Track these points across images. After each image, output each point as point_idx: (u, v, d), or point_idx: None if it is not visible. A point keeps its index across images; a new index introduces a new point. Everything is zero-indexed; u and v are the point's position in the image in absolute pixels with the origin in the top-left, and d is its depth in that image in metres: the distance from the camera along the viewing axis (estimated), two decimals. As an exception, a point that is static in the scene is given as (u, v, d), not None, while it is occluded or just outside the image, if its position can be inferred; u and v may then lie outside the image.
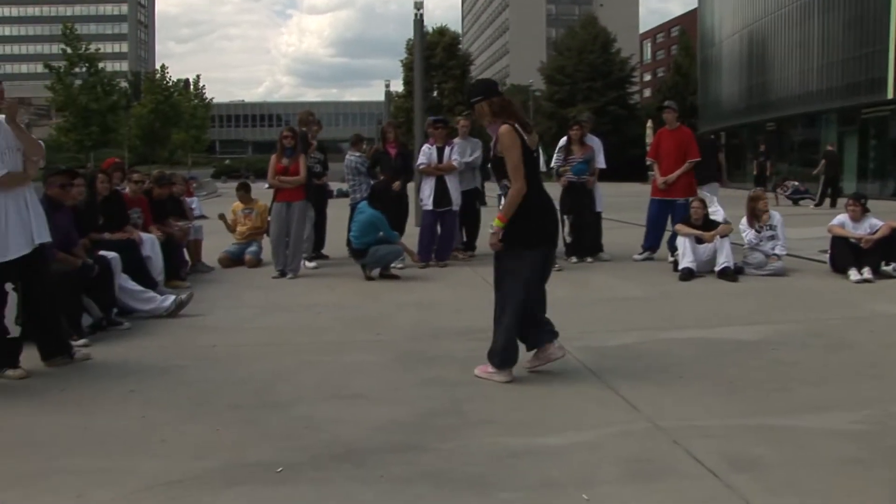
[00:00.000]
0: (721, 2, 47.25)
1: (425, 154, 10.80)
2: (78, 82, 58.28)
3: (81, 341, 6.01)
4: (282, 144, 9.90)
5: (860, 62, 31.99)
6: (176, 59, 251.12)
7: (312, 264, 10.60)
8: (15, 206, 5.26)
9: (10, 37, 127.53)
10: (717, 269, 9.26)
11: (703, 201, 9.93)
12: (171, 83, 75.21)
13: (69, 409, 4.68)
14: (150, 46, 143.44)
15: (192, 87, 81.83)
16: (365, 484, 3.49)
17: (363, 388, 5.01)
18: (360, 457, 3.80)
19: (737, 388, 4.89)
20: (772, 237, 9.58)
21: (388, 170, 11.13)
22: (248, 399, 4.80)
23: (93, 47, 60.17)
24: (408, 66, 61.69)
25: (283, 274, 9.83)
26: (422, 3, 18.64)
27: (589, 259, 10.78)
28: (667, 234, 10.75)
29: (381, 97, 53.06)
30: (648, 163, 12.50)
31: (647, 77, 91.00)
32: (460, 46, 75.95)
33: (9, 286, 5.37)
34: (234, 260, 11.09)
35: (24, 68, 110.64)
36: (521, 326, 5.20)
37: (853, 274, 8.81)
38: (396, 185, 10.88)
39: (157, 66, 79.55)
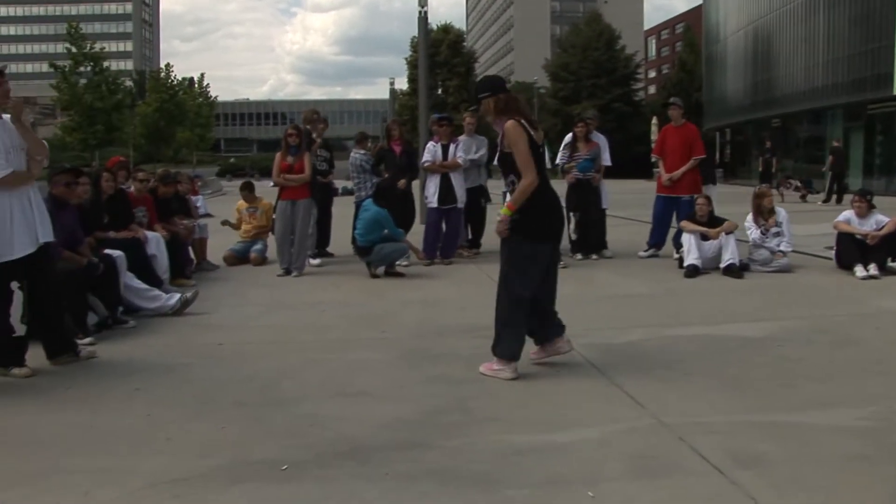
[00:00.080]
0: (726, -2, 47.18)
1: (430, 151, 10.80)
2: (83, 81, 58.35)
3: (87, 340, 6.02)
4: (286, 142, 9.91)
5: (866, 58, 31.86)
6: (181, 58, 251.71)
7: (316, 261, 10.61)
8: (20, 205, 5.27)
9: (15, 36, 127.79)
10: (722, 265, 9.25)
11: (708, 198, 9.92)
12: (175, 82, 75.23)
13: (75, 407, 4.69)
14: (155, 45, 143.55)
15: (196, 85, 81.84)
16: (370, 481, 3.49)
17: (368, 385, 5.01)
18: (365, 454, 3.80)
19: (742, 384, 4.88)
20: (777, 234, 9.56)
21: (392, 167, 11.13)
22: (253, 397, 4.81)
23: (97, 46, 60.21)
24: (412, 64, 61.57)
25: (288, 272, 9.84)
26: (426, 1, 18.60)
27: (594, 256, 10.78)
28: (672, 231, 10.73)
29: (385, 95, 53.22)
30: (653, 159, 12.49)
31: (652, 74, 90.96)
32: (465, 44, 75.86)
33: (14, 285, 5.39)
34: (239, 258, 11.10)
35: (28, 67, 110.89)
36: (528, 321, 5.23)
37: (859, 270, 8.79)
38: (402, 183, 10.88)
39: (162, 65, 79.44)
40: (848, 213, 9.52)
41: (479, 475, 3.54)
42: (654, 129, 39.76)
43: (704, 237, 9.44)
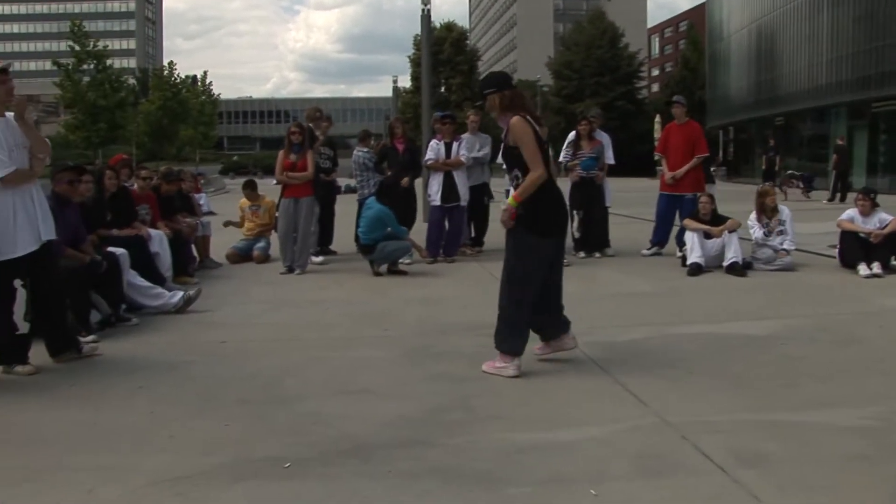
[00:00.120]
0: (729, -4, 47.12)
1: (433, 149, 10.80)
2: (86, 79, 58.40)
3: (90, 338, 6.02)
4: (289, 140, 9.92)
5: (870, 56, 31.80)
6: (184, 56, 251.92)
7: (318, 259, 10.61)
8: (22, 203, 5.28)
9: (18, 34, 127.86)
10: (725, 264, 9.24)
11: (711, 196, 9.91)
12: (179, 80, 75.26)
13: (78, 405, 4.69)
14: (158, 43, 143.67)
15: (199, 83, 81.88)
16: (372, 479, 3.50)
17: (371, 383, 5.02)
18: (368, 452, 3.80)
19: (745, 383, 4.88)
20: (780, 232, 9.55)
21: (395, 165, 11.13)
22: (255, 395, 4.81)
23: (101, 44, 60.29)
24: (415, 62, 61.55)
25: (290, 270, 9.85)
26: (429, -1, 18.63)
27: (597, 254, 10.78)
28: (675, 230, 10.73)
29: (388, 93, 53.31)
30: (657, 158, 12.47)
31: (655, 72, 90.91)
32: (468, 42, 75.74)
33: (17, 283, 5.39)
34: (242, 256, 11.11)
35: (32, 65, 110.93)
36: (530, 317, 5.26)
37: (862, 269, 8.78)
38: (405, 181, 10.88)
39: (165, 63, 79.55)
40: (851, 212, 9.51)
41: (482, 473, 3.54)
42: (657, 127, 39.71)
43: (707, 235, 9.43)
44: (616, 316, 7.06)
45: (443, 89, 67.03)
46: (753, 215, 9.77)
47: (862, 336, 6.10)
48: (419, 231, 10.96)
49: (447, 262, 10.55)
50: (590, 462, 3.64)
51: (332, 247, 11.66)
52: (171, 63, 76.01)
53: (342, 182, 13.53)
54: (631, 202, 17.74)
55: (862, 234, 9.11)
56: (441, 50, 65.51)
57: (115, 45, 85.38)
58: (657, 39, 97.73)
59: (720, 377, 5.01)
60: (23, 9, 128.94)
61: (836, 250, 9.56)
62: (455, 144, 10.71)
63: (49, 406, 4.69)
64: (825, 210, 18.27)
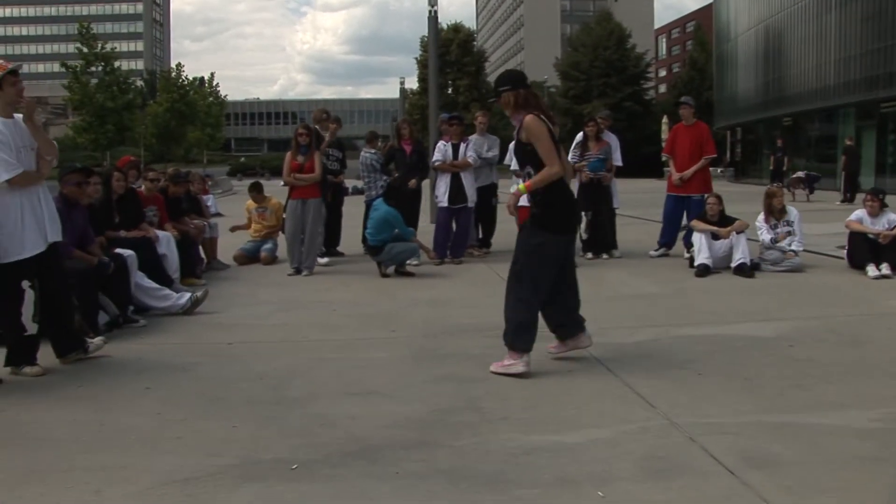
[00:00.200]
0: (737, -4, 47.06)
1: (440, 151, 10.79)
2: (94, 81, 58.63)
3: (98, 339, 6.03)
4: (297, 142, 9.93)
5: (878, 56, 31.72)
6: (191, 58, 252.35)
7: (324, 260, 10.60)
8: (30, 204, 5.29)
9: (27, 36, 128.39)
10: (733, 265, 9.22)
11: (718, 197, 9.88)
12: (186, 82, 75.47)
13: (85, 406, 4.70)
14: (166, 45, 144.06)
15: (206, 85, 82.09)
16: (380, 481, 3.49)
17: (378, 384, 5.02)
18: (375, 453, 3.80)
19: (753, 384, 4.86)
20: (789, 233, 9.52)
21: (402, 167, 11.14)
22: (263, 396, 4.81)
23: (108, 46, 60.55)
24: (423, 64, 61.66)
25: (298, 271, 9.85)
26: (436, 0, 18.61)
27: (604, 256, 10.77)
28: (683, 231, 10.71)
29: (396, 94, 53.19)
30: (664, 158, 12.46)
31: (663, 73, 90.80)
32: (475, 43, 75.88)
33: (25, 284, 5.40)
34: (249, 257, 11.12)
35: (40, 68, 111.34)
36: (537, 314, 5.29)
37: (871, 270, 8.75)
38: (412, 182, 10.88)
39: (173, 65, 79.78)
40: (860, 213, 9.48)
41: (489, 475, 3.53)
42: (664, 128, 39.67)
43: (715, 236, 9.41)
44: (624, 317, 7.04)
45: (450, 91, 67.15)
46: (761, 217, 9.74)
47: (870, 337, 6.07)
48: (426, 232, 10.96)
49: (454, 263, 10.55)
50: (597, 464, 3.64)
51: (340, 248, 11.66)
52: (178, 65, 76.30)
53: (349, 183, 13.54)
54: (638, 203, 17.72)
55: (870, 235, 9.08)
56: (448, 51, 65.58)
57: (122, 47, 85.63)
58: (664, 40, 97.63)
59: (728, 379, 4.99)
60: (31, 11, 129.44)
61: (845, 251, 9.54)
62: (462, 146, 10.71)
63: (56, 407, 4.69)
64: (833, 211, 18.22)
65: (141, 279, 7.31)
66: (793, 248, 9.41)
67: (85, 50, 58.90)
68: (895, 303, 7.49)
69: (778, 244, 9.44)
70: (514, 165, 10.39)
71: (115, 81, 59.82)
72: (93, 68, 59.15)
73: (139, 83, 74.43)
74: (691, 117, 10.87)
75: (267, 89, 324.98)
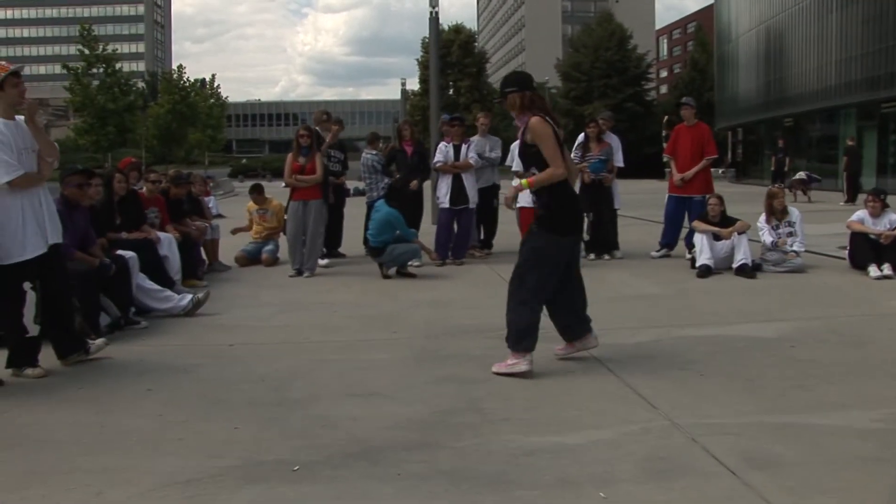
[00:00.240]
0: (738, -3, 47.05)
1: (442, 152, 10.79)
2: (95, 83, 58.69)
3: (99, 340, 6.03)
4: (298, 143, 9.93)
5: (879, 56, 31.71)
6: (192, 59, 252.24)
7: (324, 262, 10.59)
8: (31, 206, 5.29)
9: (28, 38, 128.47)
10: (734, 265, 9.22)
11: (720, 198, 9.87)
12: (187, 83, 75.54)
13: (86, 407, 4.70)
14: (167, 46, 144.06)
15: (207, 86, 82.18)
16: (381, 482, 3.49)
17: (380, 386, 5.01)
18: (377, 455, 3.80)
19: (754, 385, 4.86)
20: (790, 234, 9.52)
21: (404, 168, 11.14)
22: (264, 397, 4.81)
23: (110, 48, 60.64)
24: (424, 65, 61.65)
25: (299, 273, 9.85)
26: (437, 2, 18.58)
27: (606, 256, 10.76)
28: (684, 231, 10.70)
29: (397, 95, 53.24)
30: (665, 159, 12.45)
31: (664, 73, 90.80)
32: (476, 44, 75.86)
33: (27, 285, 5.41)
34: (250, 259, 11.12)
35: (42, 69, 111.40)
36: (539, 314, 5.29)
37: (872, 270, 8.74)
38: (414, 184, 10.88)
39: (174, 66, 79.91)
40: (861, 213, 9.47)
41: (491, 476, 3.53)
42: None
43: (717, 237, 9.41)
44: (625, 318, 7.04)
45: (451, 92, 67.14)
46: (763, 217, 9.74)
47: (872, 338, 6.07)
48: (427, 233, 10.96)
49: (456, 264, 10.55)
50: (599, 465, 3.63)
51: (341, 249, 11.67)
52: (180, 66, 76.35)
53: (351, 185, 13.54)
54: (640, 204, 17.72)
55: (872, 236, 9.08)
56: (449, 52, 65.61)
57: (124, 48, 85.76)
58: (665, 41, 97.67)
59: (730, 379, 4.99)
60: (33, 13, 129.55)
61: (846, 252, 9.53)
62: (464, 147, 10.71)
63: (57, 408, 4.70)
64: (835, 211, 18.21)
65: (142, 281, 7.31)
66: (794, 248, 9.40)
67: (86, 52, 59.00)
68: (897, 303, 7.49)
69: (779, 245, 9.42)
70: (516, 166, 10.42)
71: (117, 83, 59.93)
72: (94, 70, 59.26)
73: (140, 85, 74.54)
74: (692, 118, 10.87)
75: (268, 91, 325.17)
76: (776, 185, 12.23)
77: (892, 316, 6.91)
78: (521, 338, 5.18)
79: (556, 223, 5.24)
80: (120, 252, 7.10)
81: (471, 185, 10.65)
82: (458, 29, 71.11)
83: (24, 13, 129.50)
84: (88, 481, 3.53)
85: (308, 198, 9.87)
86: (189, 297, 7.51)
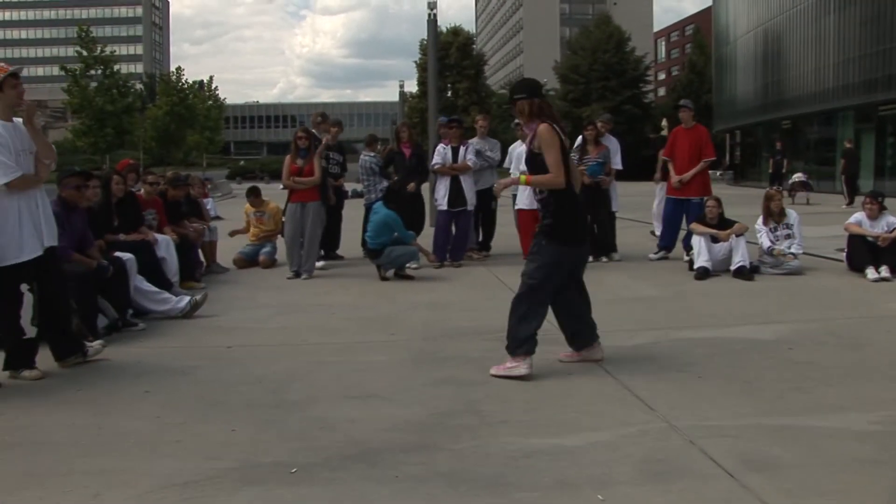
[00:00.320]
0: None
1: (440, 154, 10.80)
2: (93, 84, 58.67)
3: (97, 342, 6.02)
4: (296, 145, 9.94)
5: (877, 59, 31.73)
6: (190, 61, 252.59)
7: (321, 264, 10.58)
8: (28, 208, 5.28)
9: (26, 40, 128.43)
10: (732, 268, 9.22)
11: (718, 200, 9.88)
12: (186, 85, 75.52)
13: (84, 409, 4.69)
14: (165, 48, 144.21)
15: (206, 88, 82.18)
16: (379, 484, 3.49)
17: (377, 388, 5.01)
18: (375, 457, 3.80)
19: (752, 387, 4.86)
20: (788, 236, 9.53)
21: (402, 170, 11.14)
22: (262, 399, 4.81)
23: (108, 49, 60.60)
24: (422, 67, 61.67)
25: (297, 274, 9.85)
26: (435, 4, 18.63)
27: (604, 259, 10.76)
28: (682, 234, 10.71)
29: (395, 98, 53.21)
30: (663, 161, 12.45)
31: (662, 76, 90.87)
32: (474, 46, 75.83)
33: (24, 287, 5.40)
34: (248, 261, 11.11)
35: (40, 71, 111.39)
36: (541, 320, 5.30)
37: (870, 272, 8.75)
38: (411, 186, 10.88)
39: (172, 68, 79.93)
40: (859, 215, 9.48)
41: (489, 478, 3.53)
42: (664, 131, 39.72)
43: (715, 239, 9.41)
44: (623, 320, 7.03)
45: (449, 94, 67.14)
46: (761, 220, 9.74)
47: (870, 340, 6.07)
48: (426, 236, 10.96)
49: (454, 266, 10.54)
50: (597, 467, 3.63)
51: (339, 251, 11.66)
52: (178, 68, 76.32)
53: (349, 187, 13.54)
54: (637, 206, 17.70)
55: (870, 238, 9.09)
56: (447, 54, 65.56)
57: (122, 50, 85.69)
58: (663, 43, 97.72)
59: (728, 381, 4.99)
60: (31, 14, 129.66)
61: (844, 254, 9.54)
62: (462, 149, 10.71)
63: (55, 410, 4.69)
64: (833, 213, 18.23)
65: (140, 283, 7.31)
66: (792, 250, 9.41)
67: (84, 53, 58.95)
68: (894, 305, 7.49)
69: (775, 254, 9.39)
70: (514, 169, 10.44)
71: (115, 85, 59.88)
72: (92, 72, 59.21)
73: (138, 86, 74.55)
74: (690, 120, 10.87)
75: (266, 93, 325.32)
76: (774, 188, 12.23)
77: (890, 318, 6.92)
78: (521, 344, 5.18)
79: (563, 232, 5.24)
80: (118, 254, 7.09)
81: (469, 188, 10.65)
82: (456, 31, 71.07)
83: (23, 15, 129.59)
84: (86, 483, 3.53)
85: (306, 200, 9.87)
86: (187, 298, 7.51)
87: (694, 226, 9.72)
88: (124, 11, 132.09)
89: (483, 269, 10.38)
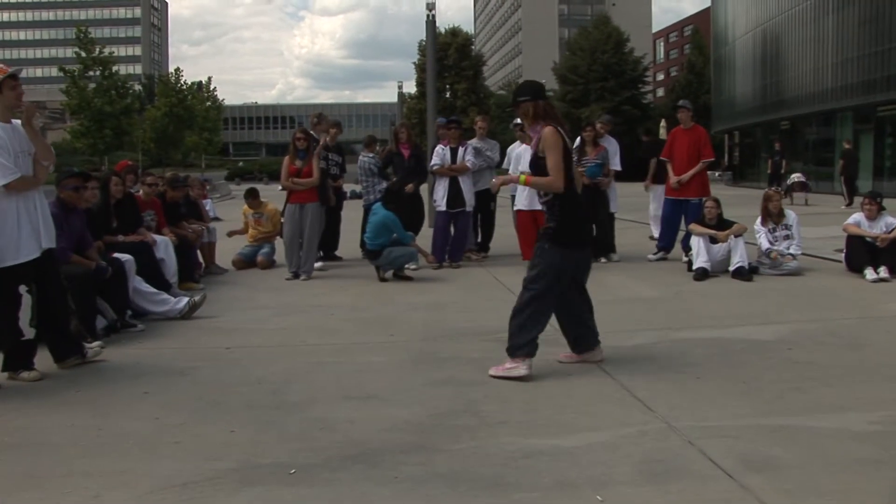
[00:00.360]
0: (735, 0, 47.05)
1: (439, 155, 10.80)
2: (92, 86, 58.64)
3: (96, 343, 6.02)
4: (295, 146, 9.94)
5: (876, 59, 31.75)
6: (189, 62, 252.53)
7: (319, 265, 10.58)
8: (26, 209, 5.28)
9: (25, 41, 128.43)
10: (731, 268, 9.22)
11: (716, 201, 9.88)
12: (184, 86, 75.50)
13: (83, 410, 4.69)
14: (164, 49, 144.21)
15: (204, 89, 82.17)
16: (379, 485, 3.49)
17: (376, 388, 5.01)
18: (374, 457, 3.80)
19: (751, 388, 4.86)
20: (787, 237, 9.53)
21: (401, 171, 11.14)
22: (261, 400, 4.81)
23: (107, 51, 60.57)
24: (420, 68, 61.68)
25: (296, 275, 9.85)
26: (434, 5, 18.63)
27: (602, 259, 10.76)
28: (681, 234, 10.71)
29: (394, 98, 53.20)
30: (657, 161, 12.46)
31: (661, 76, 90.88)
32: (473, 47, 75.85)
33: (22, 289, 5.40)
34: (247, 262, 11.11)
35: (38, 72, 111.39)
36: (545, 322, 5.30)
37: (869, 273, 8.76)
38: (409, 186, 10.88)
39: (171, 69, 79.92)
40: (858, 216, 9.49)
41: (489, 479, 3.53)
42: (662, 131, 39.74)
43: (713, 240, 9.41)
44: (622, 321, 7.03)
45: (448, 94, 67.14)
46: (759, 220, 9.75)
47: (869, 340, 6.08)
48: (425, 236, 10.96)
49: (453, 267, 10.54)
50: (596, 467, 3.63)
51: (338, 252, 11.66)
52: (177, 69, 76.30)
53: (348, 188, 13.55)
54: (636, 207, 17.70)
55: (868, 239, 9.09)
56: (446, 55, 65.55)
57: (120, 51, 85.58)
58: (662, 44, 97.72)
59: (727, 382, 4.99)
60: (29, 15, 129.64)
61: (843, 254, 9.54)
62: (461, 149, 10.72)
63: (54, 412, 4.68)
64: (831, 214, 18.24)
65: (139, 284, 7.31)
66: (791, 251, 9.41)
67: (83, 54, 58.94)
68: (893, 306, 7.50)
69: (772, 257, 9.39)
70: (512, 170, 10.44)
71: (114, 86, 59.87)
72: (91, 73, 59.19)
73: (137, 87, 74.51)
74: (689, 121, 10.87)
75: (265, 93, 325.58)
76: (773, 188, 12.24)
77: (889, 318, 6.92)
78: (521, 346, 5.18)
79: (566, 235, 5.24)
80: (116, 255, 7.09)
81: (467, 189, 10.66)
82: (455, 32, 71.08)
83: (21, 16, 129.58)
84: (86, 484, 3.53)
85: (305, 201, 9.87)
86: (185, 300, 7.51)
87: (693, 226, 9.72)
88: (123, 13, 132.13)
89: (482, 270, 10.38)
